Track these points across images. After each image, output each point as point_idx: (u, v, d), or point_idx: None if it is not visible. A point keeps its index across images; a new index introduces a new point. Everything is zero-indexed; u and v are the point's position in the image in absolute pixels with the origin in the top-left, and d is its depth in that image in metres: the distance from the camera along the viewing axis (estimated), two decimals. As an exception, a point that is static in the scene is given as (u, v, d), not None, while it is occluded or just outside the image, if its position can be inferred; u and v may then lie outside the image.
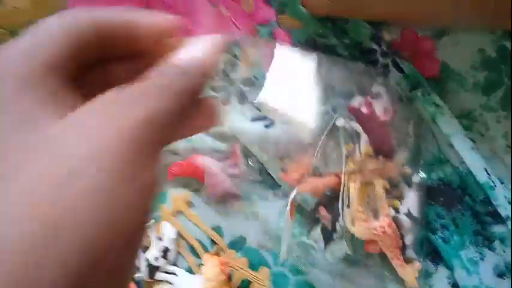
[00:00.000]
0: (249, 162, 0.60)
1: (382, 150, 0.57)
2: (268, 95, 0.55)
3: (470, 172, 0.56)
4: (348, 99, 0.61)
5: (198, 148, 0.59)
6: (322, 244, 0.57)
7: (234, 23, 0.62)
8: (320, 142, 0.61)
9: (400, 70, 0.60)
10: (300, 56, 0.58)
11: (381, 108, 0.58)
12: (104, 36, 0.19)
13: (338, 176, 0.58)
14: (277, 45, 0.59)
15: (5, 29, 0.60)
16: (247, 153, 0.60)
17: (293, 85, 0.56)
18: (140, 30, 0.20)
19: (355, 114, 0.56)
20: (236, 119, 0.59)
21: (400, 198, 0.56)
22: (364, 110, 0.55)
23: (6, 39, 0.18)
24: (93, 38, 0.18)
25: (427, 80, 0.60)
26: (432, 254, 0.57)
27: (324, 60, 0.60)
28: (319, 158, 0.61)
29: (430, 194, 0.58)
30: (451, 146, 0.57)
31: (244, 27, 0.62)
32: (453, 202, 0.57)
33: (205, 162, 0.58)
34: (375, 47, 0.62)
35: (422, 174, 0.57)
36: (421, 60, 0.62)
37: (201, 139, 0.59)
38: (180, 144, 0.59)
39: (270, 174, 0.60)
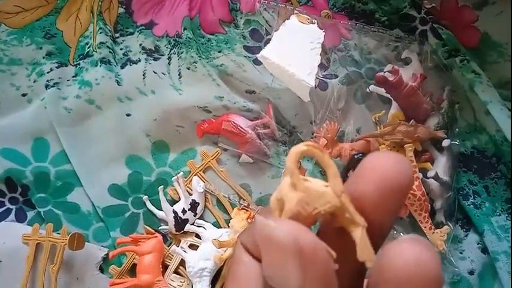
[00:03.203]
0: (281, 124, 0.60)
1: (413, 115, 0.56)
2: (272, 51, 0.55)
3: (507, 140, 0.54)
4: (381, 67, 0.60)
5: (230, 107, 0.59)
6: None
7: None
8: (349, 107, 0.61)
9: (438, 37, 0.59)
10: (311, 26, 0.58)
11: (409, 74, 0.57)
12: None
13: (368, 140, 0.58)
14: (295, 11, 0.59)
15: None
16: (278, 115, 0.60)
17: (298, 47, 0.56)
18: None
19: (382, 81, 0.55)
20: (269, 80, 0.59)
21: (431, 162, 0.55)
22: (391, 77, 0.55)
23: None
24: None
25: (465, 49, 0.59)
26: (463, 220, 0.56)
27: (359, 27, 0.60)
28: (351, 124, 0.60)
29: (463, 161, 0.57)
30: (488, 114, 0.55)
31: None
32: (487, 170, 0.56)
33: (236, 120, 0.58)
34: (415, 13, 0.61)
35: (456, 141, 0.56)
36: (461, 30, 0.60)
37: (232, 98, 0.60)
38: (212, 102, 0.60)
39: (299, 137, 0.60)
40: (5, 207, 0.59)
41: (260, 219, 0.17)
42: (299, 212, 0.17)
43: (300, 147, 0.18)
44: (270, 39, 0.58)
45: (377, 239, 0.18)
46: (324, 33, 0.57)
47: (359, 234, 0.17)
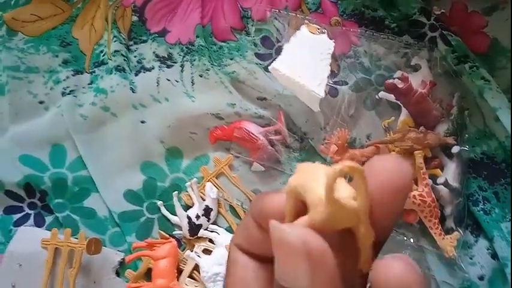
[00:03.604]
0: (292, 131, 0.61)
1: (423, 121, 0.57)
2: (283, 63, 0.56)
3: (511, 143, 0.55)
4: (391, 73, 0.61)
5: (242, 113, 0.61)
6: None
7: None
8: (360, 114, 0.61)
9: (448, 44, 0.59)
10: (321, 36, 0.59)
11: (418, 81, 0.57)
12: None
13: (377, 146, 0.58)
14: (306, 21, 0.60)
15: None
16: (289, 121, 0.61)
17: (308, 59, 0.57)
18: None
19: (391, 88, 0.56)
20: (280, 87, 0.60)
21: (441, 168, 0.56)
22: (400, 84, 0.55)
23: None
24: None
25: (475, 55, 0.59)
26: (472, 226, 0.56)
27: (369, 35, 0.60)
28: (361, 130, 0.61)
29: (473, 167, 0.57)
30: (497, 120, 0.56)
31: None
32: (496, 176, 0.56)
33: (248, 127, 0.59)
34: (424, 20, 0.61)
35: (466, 147, 0.57)
36: (470, 35, 0.61)
37: (244, 105, 0.61)
38: (224, 109, 0.61)
39: (310, 143, 0.61)
40: (24, 213, 0.61)
41: (275, 224, 0.18)
42: (321, 226, 0.18)
43: (342, 167, 0.18)
44: (280, 47, 0.59)
45: (378, 238, 0.19)
46: (334, 43, 0.58)
47: (366, 246, 0.18)
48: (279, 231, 0.17)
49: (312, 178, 0.19)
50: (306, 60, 0.57)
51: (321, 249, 0.17)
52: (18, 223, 0.60)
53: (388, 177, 0.18)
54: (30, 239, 0.58)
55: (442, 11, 0.61)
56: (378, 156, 0.19)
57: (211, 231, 0.58)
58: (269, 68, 0.57)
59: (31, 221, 0.61)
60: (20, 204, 0.61)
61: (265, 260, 0.21)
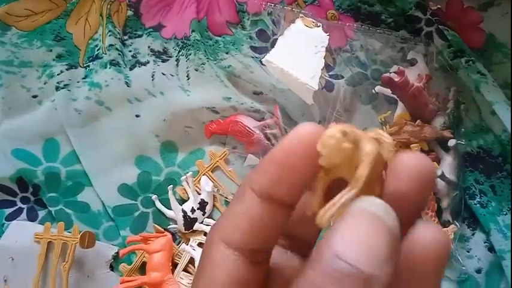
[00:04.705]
0: (288, 125, 0.61)
1: (419, 115, 0.57)
2: (276, 55, 0.56)
3: (511, 140, 0.55)
4: (387, 68, 0.61)
5: (237, 107, 0.60)
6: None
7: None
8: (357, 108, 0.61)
9: (444, 38, 0.60)
10: (316, 30, 0.59)
11: (415, 75, 0.57)
12: None
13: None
14: (300, 15, 0.60)
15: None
16: (285, 115, 0.61)
17: (302, 51, 0.57)
18: None
19: (388, 82, 0.56)
20: (275, 81, 0.60)
21: (437, 162, 0.56)
22: (397, 78, 0.55)
23: None
24: None
25: (471, 50, 0.59)
26: (469, 219, 0.56)
27: (365, 29, 0.60)
28: (357, 125, 0.61)
29: (469, 161, 0.57)
30: (494, 114, 0.56)
31: (287, -9, 0.63)
32: (493, 169, 0.56)
33: (244, 121, 0.59)
34: (420, 15, 0.61)
35: (462, 141, 0.56)
36: (466, 31, 0.61)
37: (240, 99, 0.60)
38: (220, 103, 0.60)
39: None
40: (16, 207, 0.60)
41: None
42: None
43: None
44: (276, 40, 0.59)
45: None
46: (328, 36, 0.58)
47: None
48: (361, 202, 0.17)
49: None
50: (300, 53, 0.56)
51: (398, 225, 0.17)
52: (11, 217, 0.60)
53: (423, 171, 0.19)
54: (22, 233, 0.58)
55: (438, 6, 0.61)
56: (408, 153, 0.19)
57: (207, 225, 0.58)
58: (262, 60, 0.57)
59: (24, 215, 0.60)
60: (13, 199, 0.60)
61: (260, 257, 0.19)
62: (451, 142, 0.55)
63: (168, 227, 0.59)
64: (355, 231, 0.16)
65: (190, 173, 0.60)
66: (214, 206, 0.59)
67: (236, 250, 0.19)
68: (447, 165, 0.55)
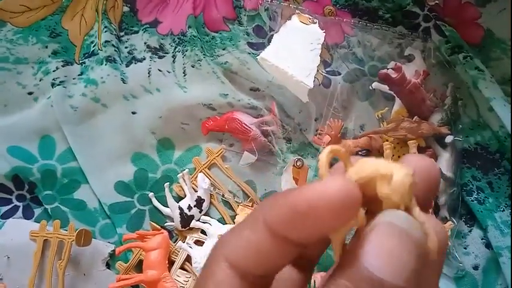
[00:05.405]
0: (285, 122, 0.60)
1: (416, 111, 0.57)
2: (271, 53, 0.56)
3: (510, 137, 0.55)
4: (385, 64, 0.61)
5: (234, 104, 0.60)
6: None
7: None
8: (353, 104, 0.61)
9: (442, 34, 0.59)
10: (312, 27, 0.59)
11: (412, 71, 0.57)
12: None
13: (371, 137, 0.58)
14: (297, 11, 0.59)
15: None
16: (282, 112, 0.60)
17: (297, 49, 0.57)
18: None
19: (385, 78, 0.55)
20: (272, 77, 0.60)
21: (435, 158, 0.55)
22: (394, 74, 0.55)
23: None
24: None
25: (469, 46, 0.59)
26: (466, 215, 0.56)
27: (362, 25, 0.60)
28: (354, 121, 0.61)
29: (467, 157, 0.57)
30: (491, 110, 0.56)
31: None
32: (490, 166, 0.56)
33: (241, 118, 0.59)
34: (418, 11, 0.61)
35: (459, 138, 0.56)
36: (464, 26, 0.60)
37: (237, 95, 0.60)
38: (216, 100, 0.60)
39: (303, 134, 0.60)
40: (12, 205, 0.60)
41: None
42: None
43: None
44: (273, 36, 0.58)
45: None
46: (324, 33, 0.58)
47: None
48: (389, 215, 0.17)
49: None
50: (296, 51, 0.56)
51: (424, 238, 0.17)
52: (7, 215, 0.59)
53: (431, 171, 0.19)
54: (18, 231, 0.57)
55: (436, 2, 0.61)
56: (416, 155, 0.21)
57: (204, 222, 0.57)
58: (258, 58, 0.56)
59: (19, 213, 0.60)
60: (8, 196, 0.60)
61: (264, 281, 0.19)
62: (449, 138, 0.55)
63: (165, 224, 0.59)
64: (385, 244, 0.16)
65: (187, 170, 0.59)
66: (211, 203, 0.59)
67: (240, 273, 0.19)
68: (444, 162, 0.55)
